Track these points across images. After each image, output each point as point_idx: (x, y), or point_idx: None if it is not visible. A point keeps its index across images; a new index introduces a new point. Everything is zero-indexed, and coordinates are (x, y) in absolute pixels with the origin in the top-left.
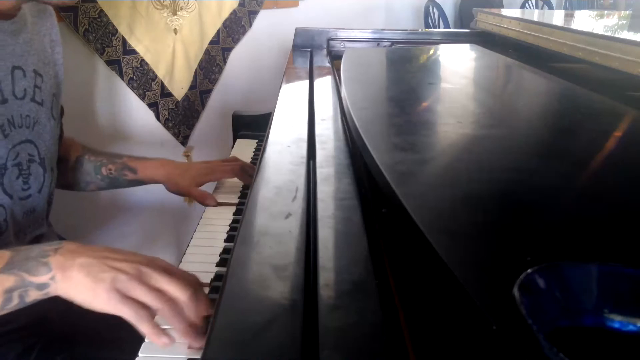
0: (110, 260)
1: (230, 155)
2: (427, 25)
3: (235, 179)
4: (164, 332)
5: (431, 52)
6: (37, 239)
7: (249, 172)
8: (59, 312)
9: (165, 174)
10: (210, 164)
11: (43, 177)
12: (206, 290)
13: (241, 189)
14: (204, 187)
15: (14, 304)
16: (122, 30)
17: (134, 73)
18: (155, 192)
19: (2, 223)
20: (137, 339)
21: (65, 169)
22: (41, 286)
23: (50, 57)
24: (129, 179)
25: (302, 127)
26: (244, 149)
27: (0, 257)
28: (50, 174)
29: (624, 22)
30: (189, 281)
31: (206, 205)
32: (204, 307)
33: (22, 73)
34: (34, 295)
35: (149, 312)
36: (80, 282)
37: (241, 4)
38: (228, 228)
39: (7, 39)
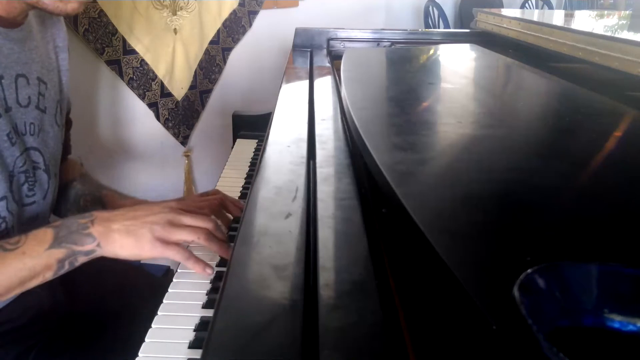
0: (140, 217)
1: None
2: (427, 25)
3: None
4: (205, 263)
5: (431, 52)
6: None
7: (229, 209)
8: (58, 312)
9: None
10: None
11: (48, 183)
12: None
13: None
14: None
15: (66, 269)
16: (122, 30)
17: (133, 73)
18: (156, 191)
19: (9, 230)
20: (136, 339)
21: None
22: (88, 252)
23: (55, 63)
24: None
25: (302, 127)
26: (244, 149)
27: (45, 235)
28: (54, 180)
29: (624, 22)
30: (209, 206)
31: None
32: (227, 223)
33: (25, 81)
34: (82, 260)
35: (189, 251)
36: (124, 242)
37: (241, 4)
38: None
39: (14, 47)
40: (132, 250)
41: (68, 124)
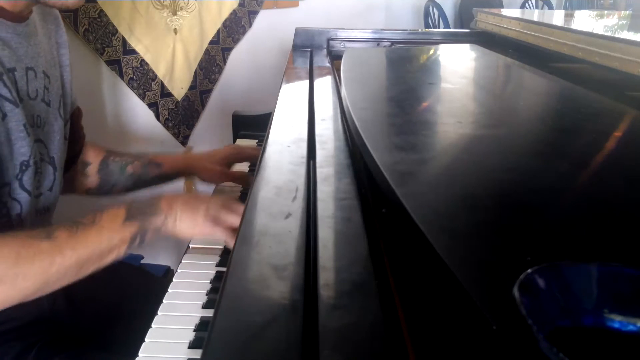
0: (201, 198)
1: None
2: (427, 25)
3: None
4: None
5: (431, 52)
6: None
7: None
8: (58, 312)
9: (192, 164)
10: (235, 145)
11: (53, 175)
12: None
13: (239, 194)
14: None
15: (136, 244)
16: (122, 30)
17: (134, 73)
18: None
19: (14, 217)
20: (136, 339)
21: (92, 172)
22: (156, 228)
23: (57, 59)
24: (155, 174)
25: (302, 127)
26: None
27: (119, 210)
28: (59, 173)
29: (624, 22)
30: None
31: (248, 185)
32: None
33: (34, 74)
34: (149, 236)
35: (235, 233)
36: (183, 214)
37: (241, 4)
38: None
39: (22, 41)
40: (187, 223)
41: (79, 114)
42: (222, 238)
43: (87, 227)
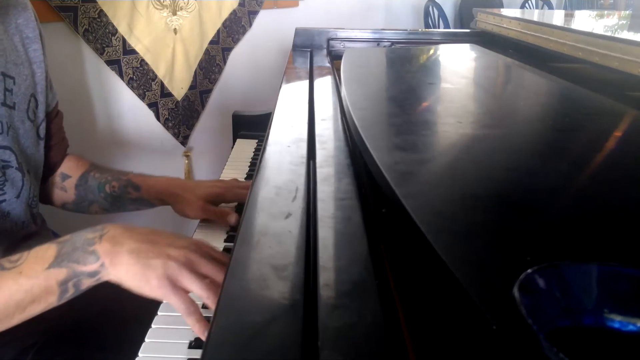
0: (158, 245)
1: (231, 155)
2: (427, 25)
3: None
4: (208, 326)
5: (431, 52)
6: (28, 237)
7: None
8: (57, 312)
9: (173, 192)
10: (225, 183)
11: (22, 181)
12: None
13: (226, 234)
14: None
15: (70, 293)
16: (122, 30)
17: (133, 73)
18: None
19: None
20: (136, 339)
21: (69, 185)
22: (92, 274)
23: (24, 56)
24: (132, 197)
25: (302, 127)
26: (244, 149)
27: (47, 251)
28: (30, 176)
29: (624, 22)
30: None
31: (228, 223)
32: None
33: None
34: (87, 283)
35: (197, 307)
36: (131, 268)
37: (241, 4)
38: (228, 228)
39: None
40: (136, 281)
41: (57, 115)
42: (177, 309)
43: (5, 271)
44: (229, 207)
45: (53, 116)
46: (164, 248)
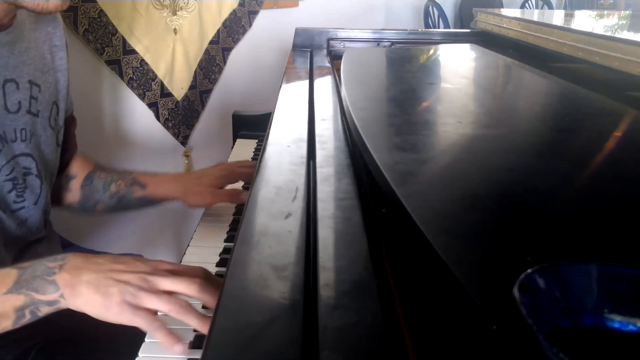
0: (115, 272)
1: (231, 155)
2: (427, 25)
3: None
4: (177, 339)
5: (431, 52)
6: (37, 242)
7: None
8: (57, 313)
9: (179, 188)
10: (226, 165)
11: (40, 188)
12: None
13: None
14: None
15: (27, 319)
16: (122, 30)
17: (133, 73)
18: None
19: None
20: (136, 340)
21: (75, 186)
22: (51, 303)
23: (50, 64)
24: (137, 195)
25: (302, 127)
26: (244, 149)
27: (7, 276)
28: (47, 184)
29: (624, 22)
30: (196, 273)
31: (241, 202)
32: (215, 294)
33: (15, 86)
34: (45, 311)
35: (161, 321)
36: (90, 298)
37: (241, 4)
38: (228, 228)
39: (2, 51)
40: (97, 309)
41: (72, 122)
42: (143, 329)
43: None
44: (235, 187)
45: (70, 121)
46: (121, 275)
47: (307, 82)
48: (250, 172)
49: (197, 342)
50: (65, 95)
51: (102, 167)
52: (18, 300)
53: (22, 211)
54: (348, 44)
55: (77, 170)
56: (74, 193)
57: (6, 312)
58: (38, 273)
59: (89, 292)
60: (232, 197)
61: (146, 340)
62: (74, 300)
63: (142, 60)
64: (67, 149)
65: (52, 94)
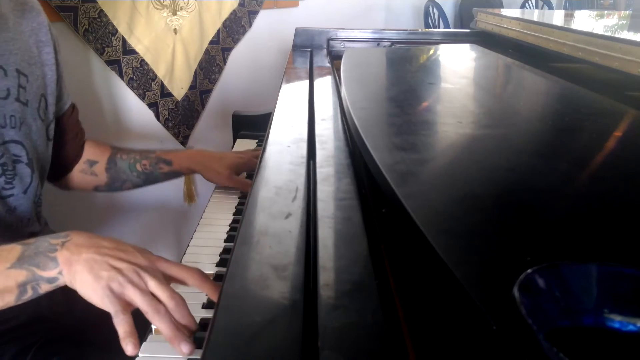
0: (112, 258)
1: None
2: (427, 25)
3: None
4: (135, 342)
5: (431, 52)
6: (31, 236)
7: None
8: (56, 312)
9: (201, 162)
10: (244, 153)
11: (30, 177)
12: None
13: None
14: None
15: (29, 295)
16: (122, 30)
17: (133, 73)
18: (155, 192)
19: None
20: None
21: (99, 170)
22: (51, 280)
23: (37, 57)
24: (165, 171)
25: (302, 127)
26: (243, 149)
27: (11, 251)
28: (38, 175)
29: (624, 22)
30: (192, 275)
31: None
32: (190, 316)
33: (3, 72)
34: (45, 288)
35: (131, 325)
36: (83, 277)
37: (241, 4)
38: (228, 228)
39: None
40: (85, 289)
41: (73, 110)
42: (114, 322)
43: None
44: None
45: (69, 113)
46: (117, 262)
47: (307, 82)
48: None
49: (197, 342)
50: (54, 89)
51: (121, 149)
52: (20, 275)
53: (11, 198)
54: (348, 44)
55: (97, 155)
56: (100, 177)
57: (9, 287)
58: (41, 249)
59: (83, 271)
60: (243, 185)
61: (146, 340)
62: (70, 277)
63: (142, 60)
64: (71, 138)
65: (40, 86)
